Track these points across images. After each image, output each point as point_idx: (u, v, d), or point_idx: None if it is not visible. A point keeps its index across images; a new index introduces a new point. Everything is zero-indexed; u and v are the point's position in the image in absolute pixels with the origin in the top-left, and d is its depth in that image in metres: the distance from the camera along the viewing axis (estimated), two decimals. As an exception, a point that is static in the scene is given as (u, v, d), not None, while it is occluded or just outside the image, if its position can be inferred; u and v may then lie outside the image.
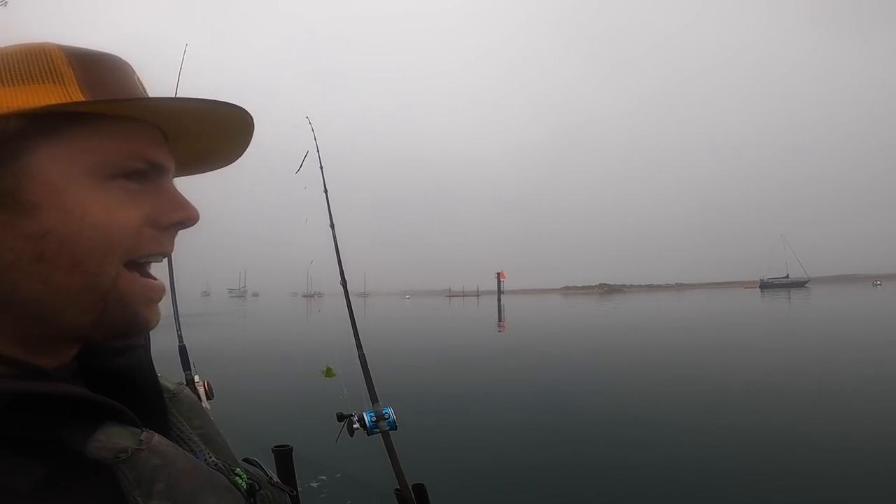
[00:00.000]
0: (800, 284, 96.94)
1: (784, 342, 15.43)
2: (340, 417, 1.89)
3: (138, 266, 0.48)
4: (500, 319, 29.33)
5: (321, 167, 2.51)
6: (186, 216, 0.50)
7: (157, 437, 0.46)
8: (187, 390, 0.63)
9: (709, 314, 30.19)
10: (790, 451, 5.51)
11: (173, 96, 0.49)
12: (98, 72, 0.47)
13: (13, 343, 0.45)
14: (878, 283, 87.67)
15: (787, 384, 8.91)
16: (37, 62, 0.45)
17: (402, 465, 1.76)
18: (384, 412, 1.86)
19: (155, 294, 0.50)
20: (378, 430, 1.83)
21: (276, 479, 0.62)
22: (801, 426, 6.40)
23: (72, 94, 0.45)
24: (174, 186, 0.51)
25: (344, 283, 2.38)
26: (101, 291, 0.45)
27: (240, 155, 0.59)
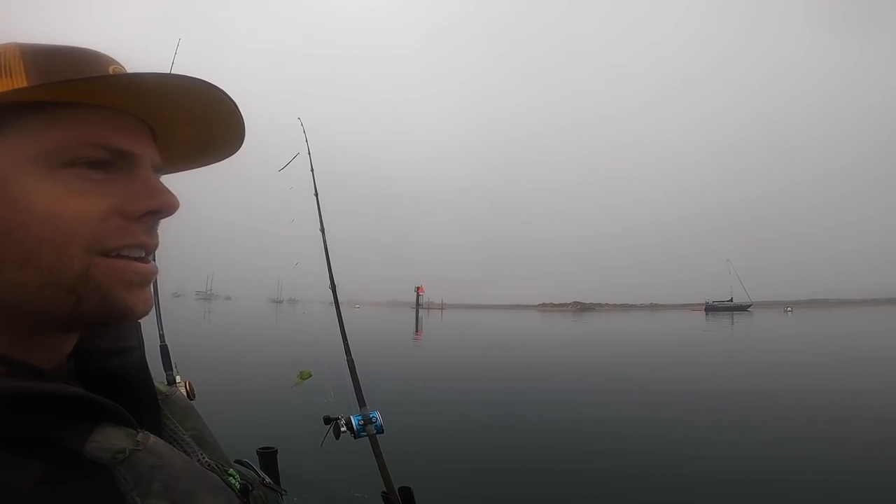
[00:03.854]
0: (742, 308, 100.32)
1: (697, 365, 15.78)
2: (327, 420, 1.83)
3: (116, 256, 0.44)
4: (416, 331, 29.22)
5: (312, 170, 2.44)
6: (160, 204, 0.46)
7: (152, 438, 0.44)
8: (179, 392, 0.61)
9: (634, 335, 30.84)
10: (705, 455, 5.68)
11: (124, 73, 0.44)
12: (53, 62, 0.43)
13: (2, 338, 0.42)
14: (789, 309, 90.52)
15: (691, 401, 9.21)
16: None
17: (388, 468, 1.70)
18: (372, 416, 1.81)
19: (138, 276, 0.45)
20: (365, 434, 1.78)
21: (267, 479, 0.61)
22: (711, 434, 6.71)
23: (16, 81, 0.41)
24: (151, 175, 0.47)
25: (333, 287, 2.31)
26: (66, 285, 0.41)
27: (236, 142, 0.54)
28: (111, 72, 0.45)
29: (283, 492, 0.64)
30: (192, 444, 0.54)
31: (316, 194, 2.41)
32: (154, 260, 0.49)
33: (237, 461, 0.63)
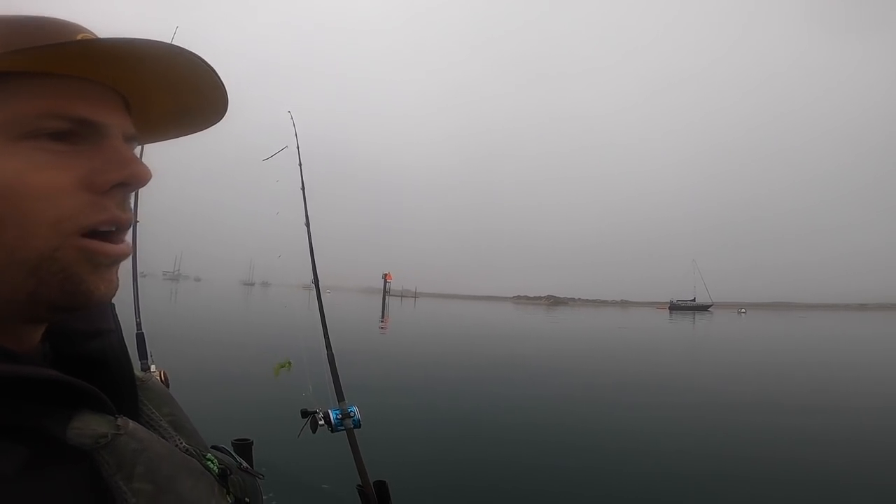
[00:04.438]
0: (703, 308, 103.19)
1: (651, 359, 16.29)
2: (304, 414, 1.84)
3: (95, 235, 0.42)
4: (382, 319, 28.99)
5: (300, 164, 2.41)
6: (129, 175, 0.43)
7: (132, 423, 0.44)
8: (155, 378, 0.60)
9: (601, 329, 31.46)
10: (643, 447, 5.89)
11: (91, 38, 0.42)
12: (17, 32, 0.40)
13: None
14: (743, 311, 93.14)
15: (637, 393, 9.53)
16: None
17: (364, 462, 1.74)
18: (350, 410, 1.83)
19: (103, 258, 0.42)
20: (343, 428, 1.80)
21: (244, 464, 0.61)
22: (648, 426, 6.97)
23: None
24: (121, 145, 0.44)
25: (316, 282, 2.30)
26: (29, 267, 0.39)
27: (219, 111, 0.52)
28: (80, 38, 0.42)
29: (261, 476, 0.64)
30: (170, 429, 0.53)
31: (303, 188, 2.38)
32: (127, 240, 0.46)
33: (213, 447, 0.64)
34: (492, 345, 17.75)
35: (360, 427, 1.83)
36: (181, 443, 0.52)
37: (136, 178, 0.44)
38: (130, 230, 0.47)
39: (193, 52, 0.44)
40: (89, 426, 0.40)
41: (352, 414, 1.82)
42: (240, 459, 0.62)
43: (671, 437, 6.66)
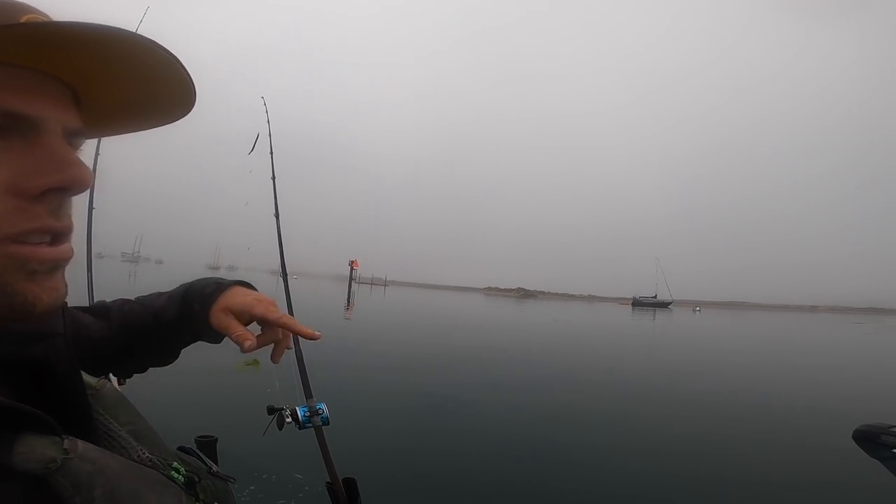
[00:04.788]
0: (664, 305, 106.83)
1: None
2: (271, 410, 1.80)
3: (15, 243, 0.37)
4: (347, 306, 28.76)
5: (271, 152, 2.34)
6: (66, 179, 0.38)
7: (81, 444, 0.39)
8: (110, 385, 0.55)
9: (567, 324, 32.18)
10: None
11: (25, 22, 0.36)
12: None
13: None
14: (698, 308, 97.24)
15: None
16: None
17: (333, 459, 1.71)
18: (318, 407, 1.80)
19: (44, 263, 0.38)
20: (311, 425, 1.77)
21: (215, 468, 0.59)
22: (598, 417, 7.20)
23: None
24: (58, 143, 0.38)
25: (284, 274, 2.24)
26: None
27: (184, 104, 0.47)
28: (22, 21, 0.37)
29: (232, 480, 0.62)
30: (130, 440, 0.49)
31: (273, 178, 2.31)
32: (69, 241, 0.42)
33: (180, 448, 0.61)
34: (460, 335, 17.84)
35: (328, 424, 1.80)
36: (143, 453, 0.49)
37: (74, 181, 0.38)
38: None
39: (154, 40, 0.38)
40: (35, 451, 0.36)
41: (320, 411, 1.78)
42: (209, 463, 0.60)
43: (624, 425, 6.88)
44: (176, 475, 0.48)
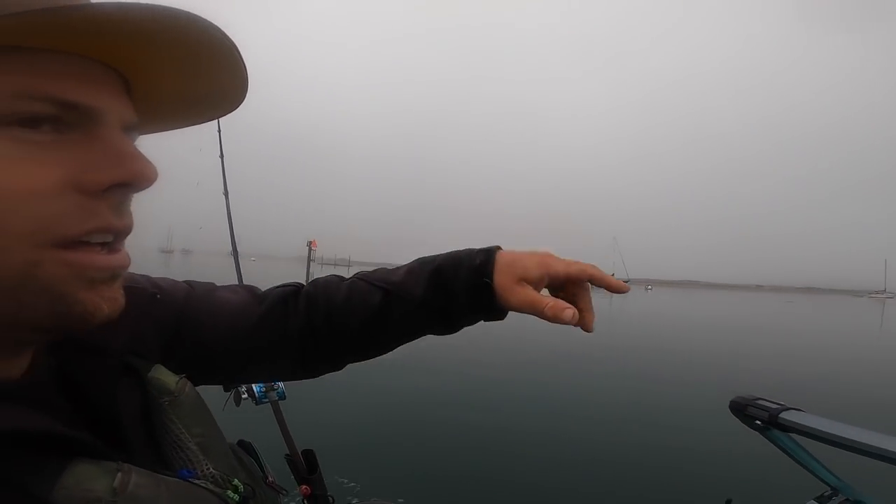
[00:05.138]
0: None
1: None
2: (227, 387, 1.81)
3: (78, 245, 0.34)
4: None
5: (219, 130, 2.28)
6: (130, 174, 0.35)
7: (134, 478, 0.36)
8: (190, 388, 0.50)
9: None
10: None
11: (76, 4, 0.31)
12: None
13: None
14: (649, 287, 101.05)
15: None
16: None
17: (291, 432, 1.74)
18: (274, 383, 1.82)
19: (103, 272, 0.36)
20: (267, 400, 1.79)
21: (271, 477, 0.57)
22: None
23: None
24: (119, 136, 0.36)
25: (235, 253, 2.21)
26: (5, 288, 0.32)
27: (237, 96, 0.44)
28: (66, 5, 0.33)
29: (284, 491, 0.60)
30: (198, 453, 0.47)
31: (221, 156, 2.25)
32: (126, 248, 0.39)
33: (240, 442, 0.60)
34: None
35: (284, 399, 1.82)
36: (208, 468, 0.46)
37: (139, 177, 0.36)
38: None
39: (211, 22, 0.35)
40: (81, 485, 0.33)
41: (276, 386, 1.80)
42: (267, 469, 0.57)
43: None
44: (232, 495, 0.46)
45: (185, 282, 0.65)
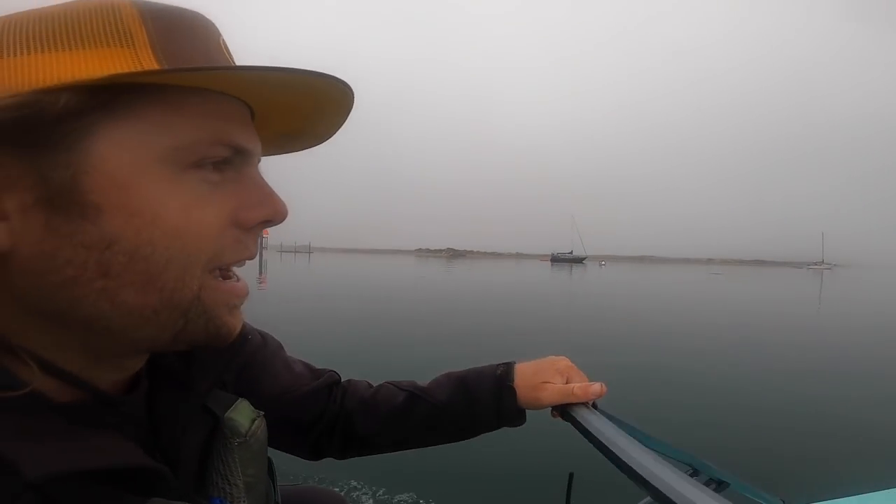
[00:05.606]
0: (579, 260, 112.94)
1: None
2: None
3: (220, 271, 0.39)
4: (260, 276, 27.87)
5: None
6: (274, 212, 0.40)
7: None
8: (262, 429, 0.53)
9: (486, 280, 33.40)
10: None
11: (265, 65, 0.36)
12: (176, 33, 0.35)
13: (74, 355, 0.37)
14: (603, 263, 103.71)
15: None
16: (102, 20, 0.33)
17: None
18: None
19: (239, 299, 0.41)
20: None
21: None
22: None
23: (143, 60, 0.33)
24: (260, 175, 0.41)
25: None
26: (182, 309, 0.37)
27: (333, 132, 0.47)
28: (222, 45, 0.38)
29: None
30: (242, 489, 0.50)
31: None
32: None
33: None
34: (376, 293, 17.88)
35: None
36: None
37: (279, 215, 0.40)
38: None
39: (348, 84, 0.39)
40: None
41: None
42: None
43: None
44: None
45: (259, 332, 0.71)
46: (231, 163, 0.38)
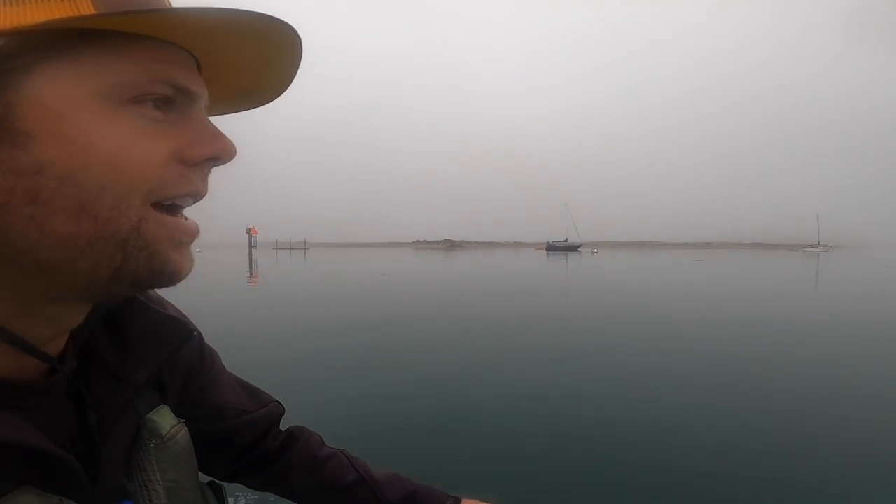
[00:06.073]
0: (574, 248, 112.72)
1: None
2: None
3: (166, 208, 0.40)
4: (250, 274, 26.99)
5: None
6: (220, 150, 0.41)
7: None
8: (183, 435, 0.54)
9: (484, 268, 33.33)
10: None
11: (202, 7, 0.37)
12: None
13: (6, 301, 0.37)
14: (595, 250, 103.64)
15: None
16: None
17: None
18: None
19: (186, 236, 0.41)
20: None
21: None
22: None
23: (80, 7, 0.34)
24: (206, 117, 0.42)
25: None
26: (119, 240, 0.36)
27: (285, 87, 0.48)
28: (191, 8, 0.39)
29: None
30: (162, 495, 0.50)
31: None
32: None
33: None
34: (369, 288, 17.82)
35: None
36: None
37: (225, 153, 0.42)
38: None
39: (293, 27, 0.40)
40: None
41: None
42: None
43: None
44: None
45: (209, 346, 0.70)
46: (174, 103, 0.39)
